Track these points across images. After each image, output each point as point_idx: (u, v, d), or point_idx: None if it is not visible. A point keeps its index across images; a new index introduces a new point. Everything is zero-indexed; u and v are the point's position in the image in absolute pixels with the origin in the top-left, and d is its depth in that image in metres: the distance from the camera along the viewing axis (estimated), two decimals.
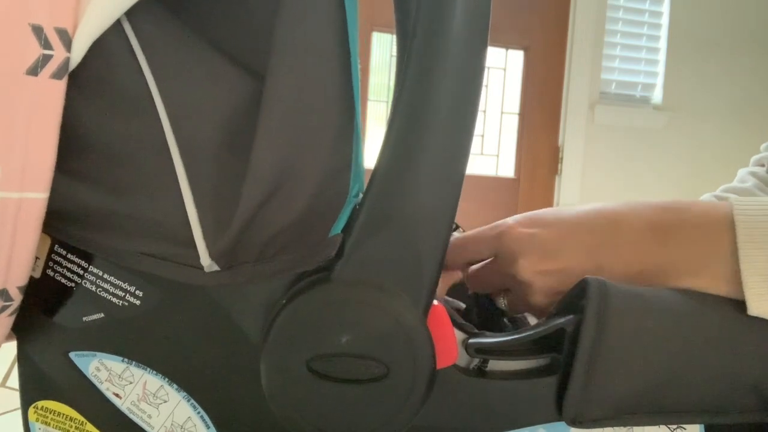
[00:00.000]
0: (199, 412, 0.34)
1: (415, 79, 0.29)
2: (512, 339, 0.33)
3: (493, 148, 2.16)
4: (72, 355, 0.34)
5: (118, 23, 0.27)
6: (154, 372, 0.34)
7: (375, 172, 0.31)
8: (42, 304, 0.33)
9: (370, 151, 1.84)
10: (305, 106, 0.28)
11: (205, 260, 0.30)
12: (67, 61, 0.26)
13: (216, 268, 0.30)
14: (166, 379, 0.34)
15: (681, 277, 0.34)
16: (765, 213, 0.32)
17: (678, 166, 2.25)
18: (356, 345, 0.30)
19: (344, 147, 0.30)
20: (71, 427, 0.35)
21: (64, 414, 0.35)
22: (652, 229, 0.35)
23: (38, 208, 0.27)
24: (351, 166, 0.31)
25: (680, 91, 2.22)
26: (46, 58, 0.25)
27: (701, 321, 0.32)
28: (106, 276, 0.32)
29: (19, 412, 0.36)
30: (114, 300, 0.33)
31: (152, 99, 0.28)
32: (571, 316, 0.32)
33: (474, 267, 0.43)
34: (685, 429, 0.34)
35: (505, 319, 0.45)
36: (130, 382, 0.34)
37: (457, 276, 0.44)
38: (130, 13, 0.27)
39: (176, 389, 0.34)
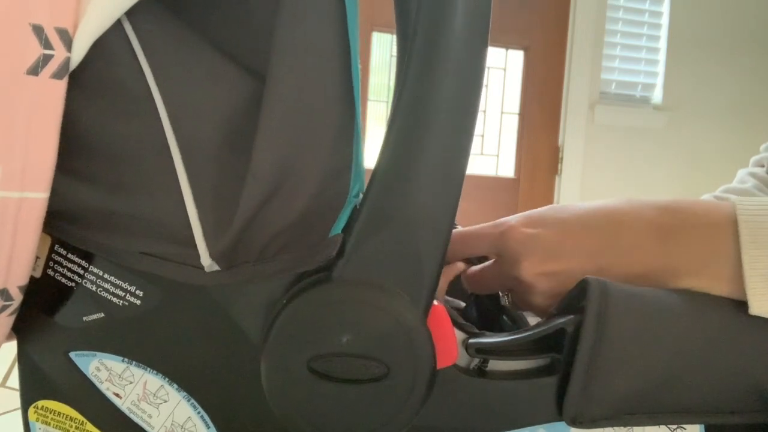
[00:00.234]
0: (199, 412, 0.34)
1: (415, 79, 0.29)
2: (512, 339, 0.33)
3: (493, 148, 2.16)
4: (72, 354, 0.34)
5: (118, 23, 0.27)
6: (155, 372, 0.34)
7: (375, 172, 0.31)
8: (42, 303, 0.33)
9: (370, 151, 1.84)
10: (306, 106, 0.28)
11: (206, 260, 0.30)
12: (67, 61, 0.26)
13: (216, 267, 0.30)
14: (167, 379, 0.34)
15: (682, 277, 0.34)
16: (767, 213, 0.32)
17: (678, 166, 2.25)
18: (356, 345, 0.30)
19: (345, 147, 0.30)
20: (71, 426, 0.35)
21: (64, 414, 0.35)
22: (653, 230, 0.35)
23: (39, 207, 0.27)
24: (351, 166, 0.31)
25: (680, 91, 2.23)
26: (46, 58, 0.25)
27: (702, 321, 0.32)
28: (106, 276, 0.32)
29: (19, 412, 0.36)
30: (114, 300, 0.33)
31: (152, 99, 0.28)
32: (572, 317, 0.32)
33: (474, 268, 0.43)
34: (685, 429, 0.34)
35: (504, 317, 0.45)
36: (131, 382, 0.34)
37: (457, 269, 0.44)
38: (130, 13, 0.27)
39: (176, 389, 0.34)
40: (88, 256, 0.33)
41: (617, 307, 0.31)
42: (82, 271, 0.33)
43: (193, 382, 0.34)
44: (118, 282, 0.32)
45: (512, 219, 0.39)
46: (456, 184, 0.30)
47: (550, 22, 2.14)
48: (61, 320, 0.33)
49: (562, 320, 0.33)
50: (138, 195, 0.30)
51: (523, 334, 0.33)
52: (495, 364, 0.34)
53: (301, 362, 0.31)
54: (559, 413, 0.33)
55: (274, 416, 0.32)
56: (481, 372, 0.34)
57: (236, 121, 0.29)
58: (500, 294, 0.43)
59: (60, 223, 0.31)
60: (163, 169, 0.29)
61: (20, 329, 0.34)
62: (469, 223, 0.43)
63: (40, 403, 0.35)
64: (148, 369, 0.34)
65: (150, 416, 0.34)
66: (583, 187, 2.17)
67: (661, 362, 0.32)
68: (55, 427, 0.35)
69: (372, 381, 0.31)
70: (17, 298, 0.29)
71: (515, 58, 2.15)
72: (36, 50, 0.25)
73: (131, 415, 0.34)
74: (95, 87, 0.28)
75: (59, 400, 0.35)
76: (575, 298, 0.33)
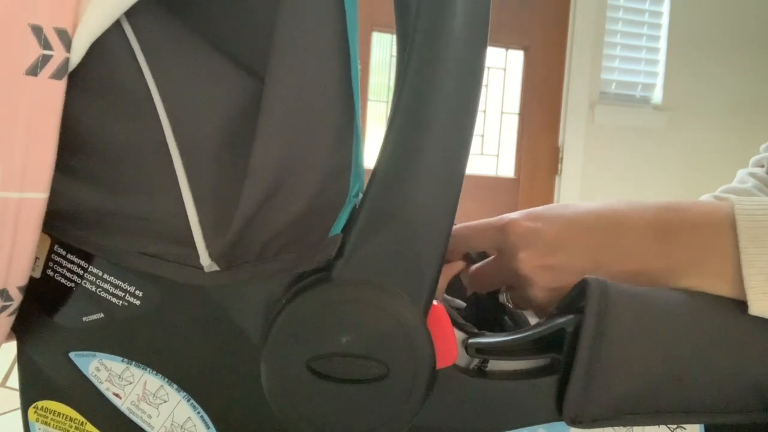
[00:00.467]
0: (199, 412, 0.34)
1: (415, 79, 0.29)
2: (512, 339, 0.33)
3: (493, 148, 2.16)
4: (72, 355, 0.34)
5: (117, 23, 0.26)
6: (154, 372, 0.33)
7: (375, 172, 0.31)
8: (42, 304, 0.33)
9: (370, 151, 1.84)
10: (305, 106, 0.28)
11: (205, 260, 0.30)
12: (66, 61, 0.26)
13: (216, 268, 0.30)
14: (166, 379, 0.33)
15: (682, 277, 0.34)
16: (766, 213, 0.32)
17: (678, 166, 2.25)
18: (356, 345, 0.30)
19: (344, 147, 0.30)
20: (71, 427, 0.35)
21: (64, 414, 0.35)
22: (653, 229, 0.35)
23: (38, 208, 0.27)
24: (351, 166, 0.31)
25: (680, 91, 2.22)
26: (45, 59, 0.25)
27: (702, 321, 0.32)
28: (105, 276, 0.32)
29: (19, 412, 0.36)
30: (114, 300, 0.33)
31: (152, 99, 0.28)
32: (572, 316, 0.32)
33: (475, 266, 0.43)
34: (685, 429, 0.34)
35: (505, 317, 0.45)
36: (130, 382, 0.34)
37: (457, 268, 0.44)
38: (129, 14, 0.27)
39: (176, 389, 0.34)
40: (87, 257, 0.33)
41: (617, 307, 0.31)
42: (81, 272, 0.33)
43: (192, 382, 0.34)
44: (117, 282, 0.32)
45: (514, 214, 0.39)
46: (456, 184, 0.30)
47: (550, 22, 2.14)
48: (60, 320, 0.33)
49: (561, 320, 0.33)
50: (137, 195, 0.30)
51: (523, 334, 0.33)
52: (495, 364, 0.34)
53: (301, 362, 0.31)
54: (559, 413, 0.33)
55: (273, 416, 0.32)
56: (480, 372, 0.34)
57: (236, 121, 0.29)
58: (500, 291, 0.44)
59: (60, 223, 0.31)
60: (162, 169, 0.29)
61: (20, 329, 0.34)
62: None
63: (40, 403, 0.35)
64: (148, 369, 0.34)
65: (150, 416, 0.34)
66: (583, 187, 2.17)
67: (661, 362, 0.32)
68: (55, 428, 0.35)
69: (372, 381, 0.31)
70: (17, 298, 0.29)
71: (515, 58, 2.14)
72: (35, 50, 0.25)
73: (131, 416, 0.34)
74: (94, 87, 0.27)
75: (59, 401, 0.35)
76: (575, 298, 0.33)
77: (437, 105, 0.29)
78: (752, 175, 0.62)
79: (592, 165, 2.18)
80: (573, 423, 0.33)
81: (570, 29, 2.14)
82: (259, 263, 0.31)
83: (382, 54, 2.04)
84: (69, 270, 0.33)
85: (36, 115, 0.25)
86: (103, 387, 0.34)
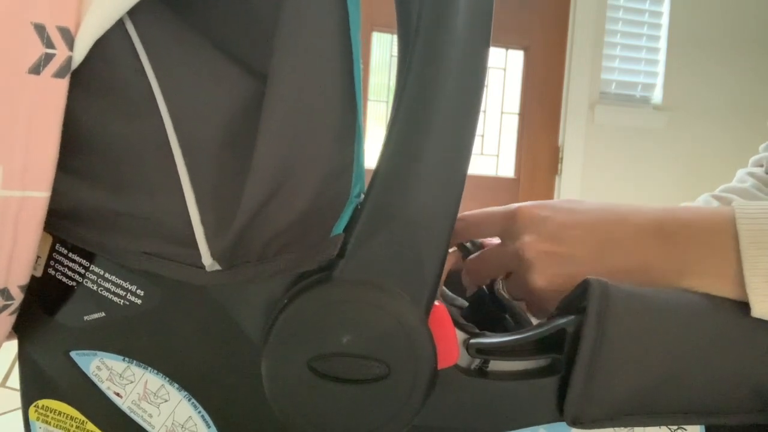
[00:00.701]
0: (199, 412, 0.34)
1: (416, 79, 0.29)
2: (513, 339, 0.33)
3: (493, 148, 2.16)
4: (73, 354, 0.34)
5: (120, 22, 0.26)
6: (155, 371, 0.33)
7: (376, 172, 0.31)
8: (43, 303, 0.33)
9: (371, 151, 1.84)
10: (307, 107, 0.28)
11: (207, 260, 0.30)
12: (69, 60, 0.26)
13: (217, 267, 0.30)
14: (167, 379, 0.33)
15: (683, 276, 0.34)
16: (767, 215, 0.32)
17: (678, 166, 2.25)
18: (357, 345, 0.30)
19: (346, 147, 0.30)
20: (72, 426, 0.35)
21: (64, 413, 0.35)
22: (656, 227, 0.35)
23: (40, 207, 0.27)
24: (353, 166, 0.31)
25: (680, 91, 2.22)
26: (48, 57, 0.25)
27: (703, 322, 0.32)
28: (107, 275, 0.32)
29: (19, 412, 0.36)
30: (115, 299, 0.33)
31: (154, 98, 0.28)
32: (573, 317, 0.32)
33: (474, 254, 0.44)
34: (685, 429, 0.34)
35: (507, 317, 0.45)
36: (131, 381, 0.34)
37: (451, 261, 0.45)
38: (132, 13, 0.27)
39: (177, 388, 0.34)
40: (89, 256, 0.33)
41: (618, 307, 0.32)
42: (83, 271, 0.33)
43: (193, 381, 0.34)
44: (118, 281, 0.32)
45: (525, 203, 0.40)
46: (457, 185, 0.30)
47: (550, 22, 2.14)
48: (61, 319, 0.33)
49: (562, 321, 0.33)
50: (139, 194, 0.30)
51: (524, 335, 0.33)
52: (496, 365, 0.34)
53: (302, 362, 0.31)
54: (560, 414, 0.33)
55: (274, 416, 0.32)
56: (481, 372, 0.34)
57: (237, 121, 0.29)
58: (497, 283, 0.44)
59: (61, 222, 0.31)
60: (164, 168, 0.29)
61: (21, 328, 0.34)
62: None
63: (41, 402, 0.35)
64: (149, 368, 0.34)
65: (150, 416, 0.34)
66: (583, 187, 2.17)
67: (662, 362, 0.32)
68: (56, 427, 0.35)
69: (373, 381, 0.31)
70: (18, 297, 0.29)
71: (515, 58, 2.14)
72: (38, 49, 0.25)
73: (132, 415, 0.34)
74: (97, 86, 0.27)
75: (60, 400, 0.35)
76: (576, 299, 0.33)
77: (439, 105, 0.29)
78: (751, 174, 0.62)
79: (592, 165, 2.18)
80: (574, 423, 0.33)
81: (570, 29, 2.14)
82: (261, 263, 0.31)
83: (382, 54, 2.04)
84: (70, 269, 0.33)
85: (38, 114, 0.25)
86: (104, 386, 0.34)
